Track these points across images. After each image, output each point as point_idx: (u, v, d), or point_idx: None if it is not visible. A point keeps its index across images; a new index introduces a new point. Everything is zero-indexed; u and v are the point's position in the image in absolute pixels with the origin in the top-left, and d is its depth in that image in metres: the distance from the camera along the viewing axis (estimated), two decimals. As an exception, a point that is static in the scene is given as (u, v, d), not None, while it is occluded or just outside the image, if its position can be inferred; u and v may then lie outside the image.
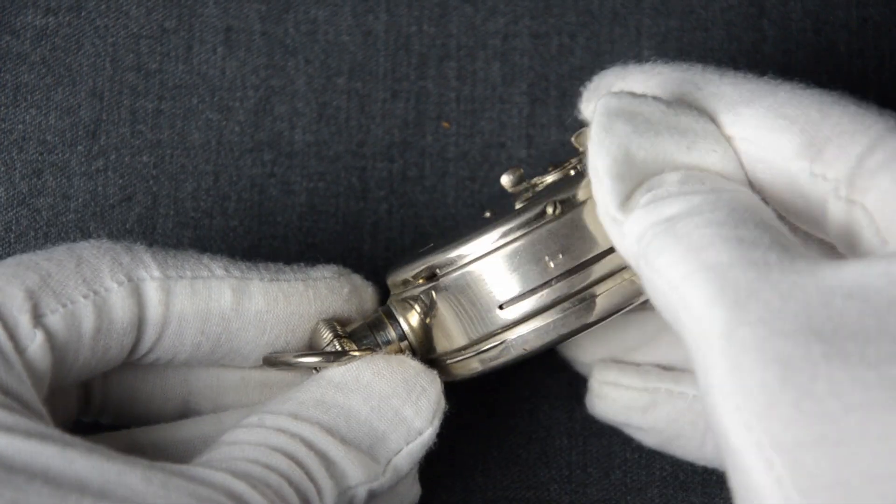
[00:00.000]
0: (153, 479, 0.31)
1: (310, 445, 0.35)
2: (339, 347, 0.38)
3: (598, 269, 0.37)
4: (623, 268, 0.37)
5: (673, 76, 0.38)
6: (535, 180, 0.39)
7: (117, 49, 0.48)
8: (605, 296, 0.37)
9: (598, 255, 0.37)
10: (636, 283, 0.37)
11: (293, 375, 0.40)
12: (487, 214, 0.40)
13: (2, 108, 0.48)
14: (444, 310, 0.38)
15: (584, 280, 0.37)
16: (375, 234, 0.47)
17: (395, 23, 0.49)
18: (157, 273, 0.37)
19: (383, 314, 0.39)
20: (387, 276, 0.40)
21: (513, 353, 0.38)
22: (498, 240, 0.37)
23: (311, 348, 0.39)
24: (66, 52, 0.48)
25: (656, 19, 0.49)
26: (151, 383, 0.40)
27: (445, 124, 0.48)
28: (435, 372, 0.38)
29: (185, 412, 0.40)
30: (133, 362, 0.38)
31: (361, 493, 0.36)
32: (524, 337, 0.37)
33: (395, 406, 0.37)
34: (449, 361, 0.39)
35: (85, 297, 0.36)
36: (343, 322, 0.39)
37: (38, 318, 0.35)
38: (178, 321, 0.37)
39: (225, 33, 0.48)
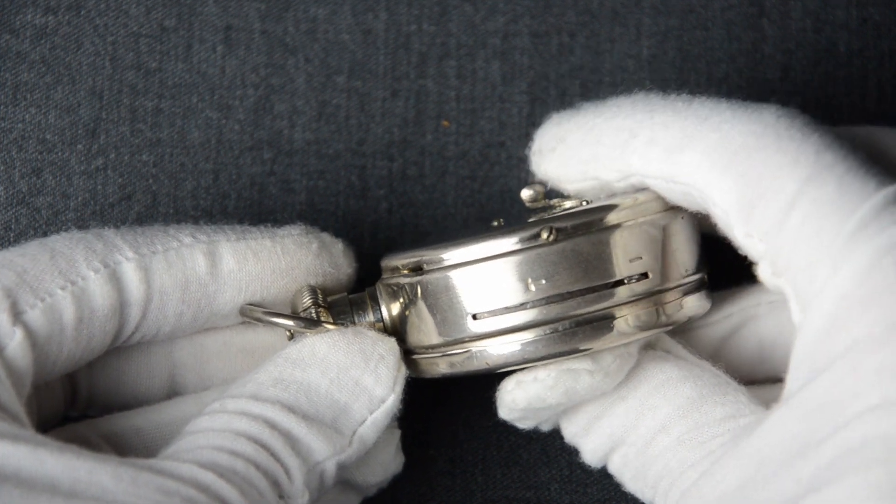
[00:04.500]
0: (122, 475, 0.31)
1: (273, 426, 0.35)
2: (314, 315, 0.38)
3: (579, 304, 0.37)
4: (603, 310, 0.37)
5: (608, 127, 0.38)
6: (555, 201, 0.39)
7: (117, 48, 0.48)
8: (581, 331, 0.37)
9: (581, 289, 0.37)
10: (615, 328, 0.37)
11: (273, 338, 0.40)
12: (496, 223, 0.40)
13: (1, 107, 0.48)
14: (423, 305, 0.38)
15: (562, 311, 0.37)
16: (375, 232, 0.47)
17: (395, 21, 0.49)
18: (131, 254, 0.37)
19: (367, 295, 0.40)
20: (381, 259, 0.40)
21: (475, 365, 0.38)
22: (485, 251, 0.37)
23: (292, 311, 0.39)
24: (65, 50, 0.48)
25: (656, 18, 0.49)
26: (136, 363, 0.40)
27: (445, 123, 0.48)
28: (393, 339, 0.38)
29: (172, 389, 0.40)
30: (117, 346, 0.38)
31: (330, 466, 0.36)
32: (488, 352, 0.37)
33: (354, 376, 0.37)
34: (418, 356, 0.39)
35: (63, 288, 0.36)
36: (328, 291, 0.40)
37: (16, 316, 0.35)
38: (160, 296, 0.38)
39: (224, 32, 0.48)
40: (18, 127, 0.47)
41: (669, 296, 0.37)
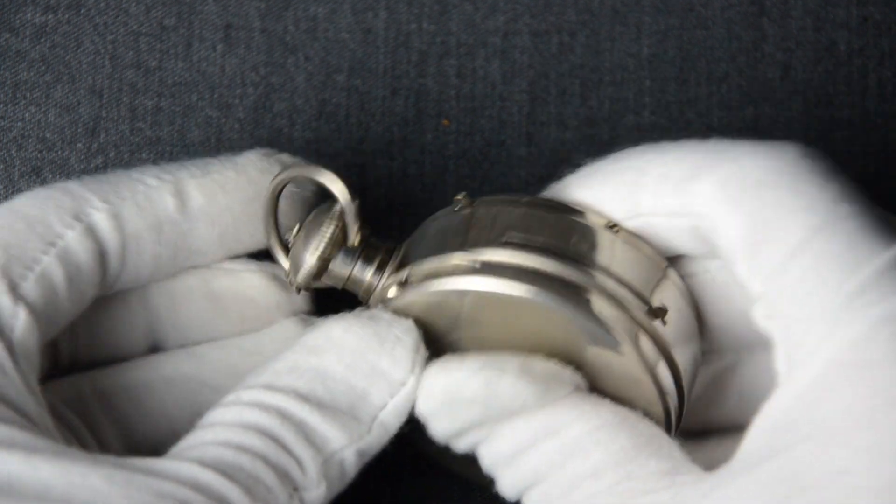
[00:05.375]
0: (116, 478, 0.31)
1: (285, 416, 0.34)
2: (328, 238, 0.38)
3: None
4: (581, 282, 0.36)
5: (614, 169, 0.37)
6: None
7: (117, 46, 0.48)
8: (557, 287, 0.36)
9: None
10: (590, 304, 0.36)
11: (233, 283, 0.40)
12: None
13: (1, 106, 0.48)
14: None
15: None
16: (375, 231, 0.47)
17: (395, 20, 0.49)
18: (100, 204, 0.37)
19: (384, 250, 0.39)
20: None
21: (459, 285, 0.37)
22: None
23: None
24: (65, 49, 0.48)
25: (656, 17, 0.49)
26: (114, 316, 0.40)
27: (445, 122, 0.48)
28: (410, 321, 0.37)
29: (153, 342, 0.40)
30: (101, 296, 0.38)
31: (349, 455, 0.35)
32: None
33: (370, 360, 0.36)
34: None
35: (46, 253, 0.36)
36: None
37: (15, 293, 0.35)
38: (135, 241, 0.38)
39: (224, 30, 0.48)
40: (18, 126, 0.48)
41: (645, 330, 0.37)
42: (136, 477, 0.31)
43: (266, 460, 0.33)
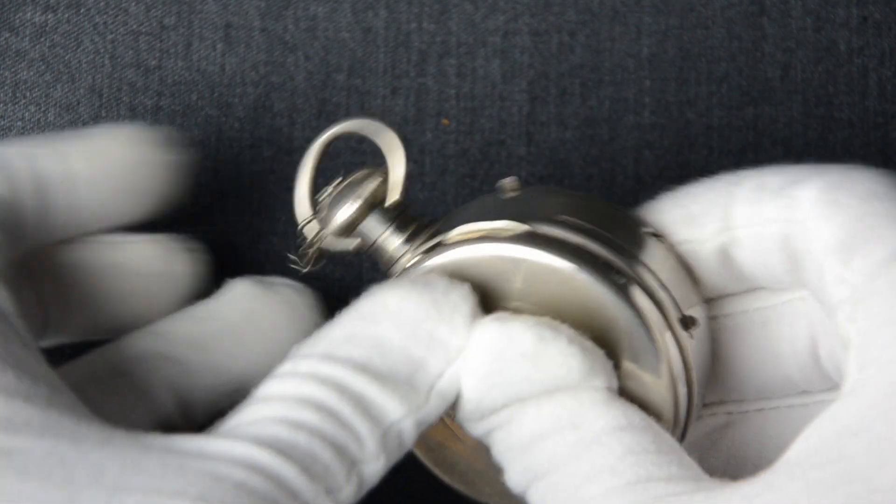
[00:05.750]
0: (169, 463, 0.31)
1: (342, 389, 0.34)
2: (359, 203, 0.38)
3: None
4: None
5: (704, 188, 0.37)
6: None
7: (116, 46, 0.48)
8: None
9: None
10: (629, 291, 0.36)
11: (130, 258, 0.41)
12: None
13: (1, 106, 0.48)
14: None
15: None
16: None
17: (395, 19, 0.49)
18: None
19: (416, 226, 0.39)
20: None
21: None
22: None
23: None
24: (65, 48, 0.48)
25: (656, 17, 0.49)
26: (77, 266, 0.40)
27: (445, 121, 0.48)
28: (466, 285, 0.36)
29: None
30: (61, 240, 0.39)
31: (408, 426, 0.34)
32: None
33: (428, 328, 0.35)
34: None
35: None
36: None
37: None
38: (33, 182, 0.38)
39: (224, 30, 0.48)
40: (18, 125, 0.47)
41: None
42: (189, 461, 0.31)
43: (323, 437, 0.33)
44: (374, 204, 0.38)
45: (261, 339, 0.41)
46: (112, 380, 0.39)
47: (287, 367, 0.35)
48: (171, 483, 0.30)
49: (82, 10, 0.48)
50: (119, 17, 0.48)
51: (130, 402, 0.39)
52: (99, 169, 0.39)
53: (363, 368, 0.34)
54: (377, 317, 0.35)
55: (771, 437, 0.39)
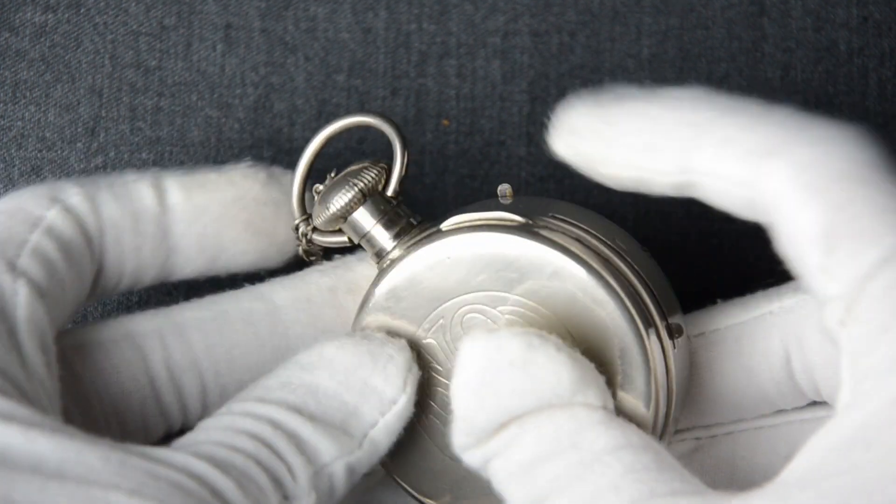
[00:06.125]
0: (111, 457, 0.31)
1: (276, 425, 0.34)
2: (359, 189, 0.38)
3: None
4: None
5: (670, 118, 0.35)
6: None
7: (116, 46, 0.48)
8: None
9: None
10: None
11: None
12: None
13: (1, 105, 0.48)
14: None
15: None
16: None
17: (395, 20, 0.49)
18: (75, 189, 0.38)
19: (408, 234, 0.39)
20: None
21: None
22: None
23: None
24: (65, 48, 0.48)
25: (656, 17, 0.49)
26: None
27: (445, 122, 0.48)
28: (403, 340, 0.37)
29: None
30: (97, 297, 0.39)
31: (339, 469, 0.35)
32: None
33: (362, 377, 0.36)
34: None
35: (31, 232, 0.36)
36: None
37: (12, 268, 0.35)
38: (113, 227, 0.38)
39: (224, 30, 0.48)
40: (18, 125, 0.47)
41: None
42: (132, 458, 0.31)
43: (258, 461, 0.33)
44: (368, 194, 0.38)
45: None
46: (220, 328, 0.39)
47: (222, 409, 0.36)
48: (108, 476, 0.31)
49: (82, 10, 0.48)
50: (119, 18, 0.48)
51: (244, 355, 0.39)
52: (198, 202, 0.39)
53: (297, 410, 0.35)
54: (313, 365, 0.36)
55: (743, 459, 0.39)
